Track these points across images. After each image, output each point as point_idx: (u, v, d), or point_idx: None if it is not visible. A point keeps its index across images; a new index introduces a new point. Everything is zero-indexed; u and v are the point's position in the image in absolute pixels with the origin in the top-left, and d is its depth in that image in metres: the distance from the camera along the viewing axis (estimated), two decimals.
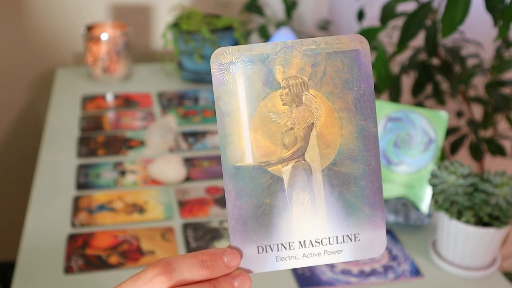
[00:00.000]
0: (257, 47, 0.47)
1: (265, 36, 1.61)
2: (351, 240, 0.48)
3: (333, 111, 0.47)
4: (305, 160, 0.47)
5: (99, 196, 1.11)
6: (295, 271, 0.94)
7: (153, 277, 0.43)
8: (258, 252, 0.47)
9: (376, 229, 0.48)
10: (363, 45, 0.47)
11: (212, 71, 0.46)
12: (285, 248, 0.47)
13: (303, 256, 0.47)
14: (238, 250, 0.47)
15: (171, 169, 1.15)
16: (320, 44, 0.47)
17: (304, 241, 0.47)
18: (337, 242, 0.48)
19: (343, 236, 0.48)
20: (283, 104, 0.47)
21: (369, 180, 0.48)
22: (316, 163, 0.47)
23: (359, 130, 0.47)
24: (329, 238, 0.47)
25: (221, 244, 1.00)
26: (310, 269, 0.95)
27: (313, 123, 0.47)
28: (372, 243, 0.48)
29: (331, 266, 0.95)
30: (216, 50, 0.46)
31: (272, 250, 0.47)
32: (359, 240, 0.48)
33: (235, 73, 0.46)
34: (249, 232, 0.47)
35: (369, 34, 1.33)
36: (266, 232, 0.47)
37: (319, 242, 0.47)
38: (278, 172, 0.47)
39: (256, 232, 0.47)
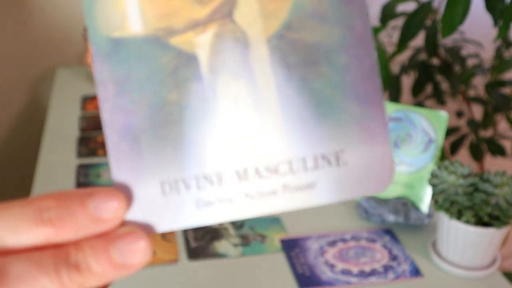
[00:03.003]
0: None
1: None
2: (330, 163, 0.28)
3: None
4: (235, 23, 0.27)
5: None
6: (294, 271, 0.94)
7: None
8: (164, 193, 0.27)
9: (375, 141, 0.28)
10: None
11: None
12: (211, 183, 0.27)
13: (245, 196, 0.28)
14: (122, 189, 0.27)
15: None
16: None
17: (245, 169, 0.28)
18: (305, 170, 0.28)
19: (315, 156, 0.28)
20: None
21: (353, 54, 0.27)
22: (256, 28, 0.27)
23: None
24: (290, 162, 0.28)
25: (221, 244, 1.00)
26: (310, 269, 0.94)
27: None
28: (369, 167, 0.28)
29: (331, 266, 0.95)
30: None
31: (188, 187, 0.27)
32: (345, 164, 0.28)
33: None
34: (145, 156, 0.27)
35: None
36: (174, 154, 0.27)
37: (271, 170, 0.28)
38: (189, 46, 0.27)
39: (158, 155, 0.27)
